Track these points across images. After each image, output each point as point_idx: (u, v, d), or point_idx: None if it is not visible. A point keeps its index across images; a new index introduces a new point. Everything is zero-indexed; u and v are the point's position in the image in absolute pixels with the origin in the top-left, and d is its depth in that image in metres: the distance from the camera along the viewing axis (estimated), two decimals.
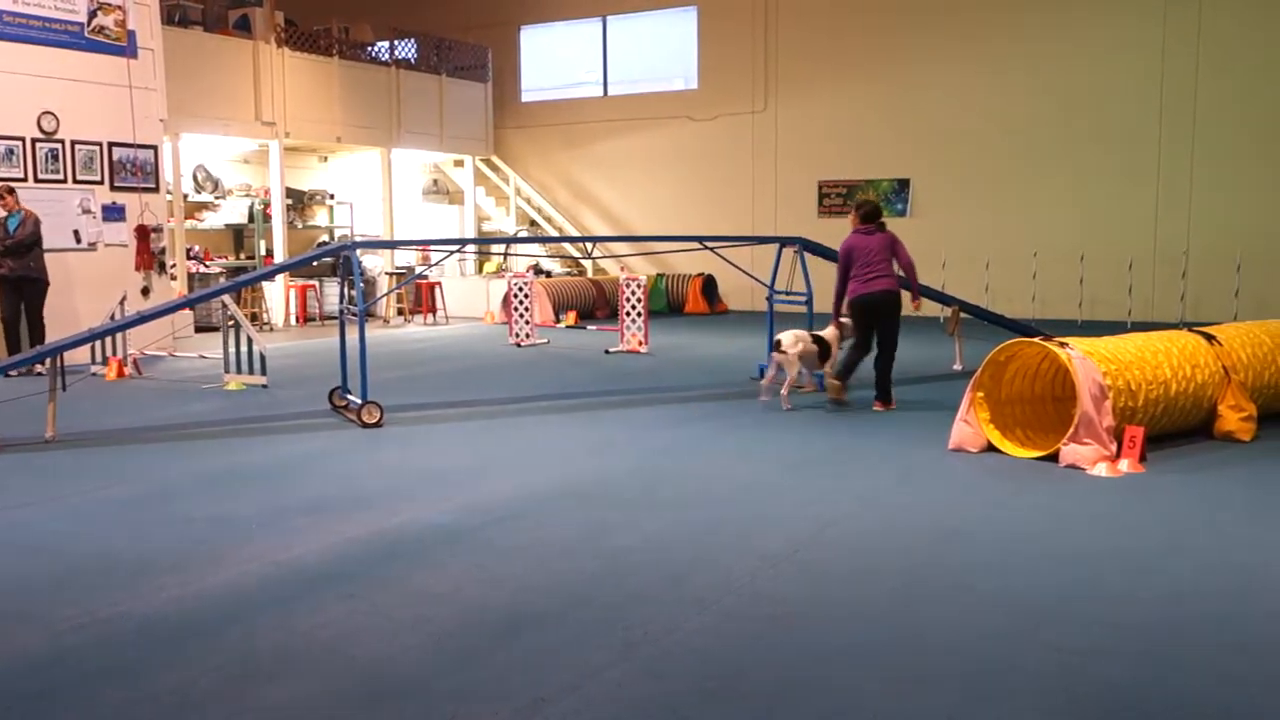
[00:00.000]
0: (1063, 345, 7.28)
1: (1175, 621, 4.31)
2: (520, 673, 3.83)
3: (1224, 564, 5.06)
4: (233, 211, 18.30)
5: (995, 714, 3.49)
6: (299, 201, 19.24)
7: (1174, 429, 7.77)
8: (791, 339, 9.45)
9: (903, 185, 19.57)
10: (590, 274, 21.28)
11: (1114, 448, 6.98)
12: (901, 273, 9.52)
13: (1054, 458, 7.16)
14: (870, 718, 3.47)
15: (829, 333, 9.76)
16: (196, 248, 17.60)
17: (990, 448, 7.53)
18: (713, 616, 4.38)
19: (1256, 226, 16.82)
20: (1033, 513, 6.01)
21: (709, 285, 20.30)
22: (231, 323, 10.98)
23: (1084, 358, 7.14)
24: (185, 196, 17.12)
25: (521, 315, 14.96)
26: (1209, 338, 8.08)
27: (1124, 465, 6.91)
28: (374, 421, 8.69)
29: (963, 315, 12.06)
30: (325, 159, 20.84)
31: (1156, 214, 17.59)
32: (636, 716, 3.49)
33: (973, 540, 5.46)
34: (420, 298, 19.32)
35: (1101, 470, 6.83)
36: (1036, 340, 7.56)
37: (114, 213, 13.74)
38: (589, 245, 19.54)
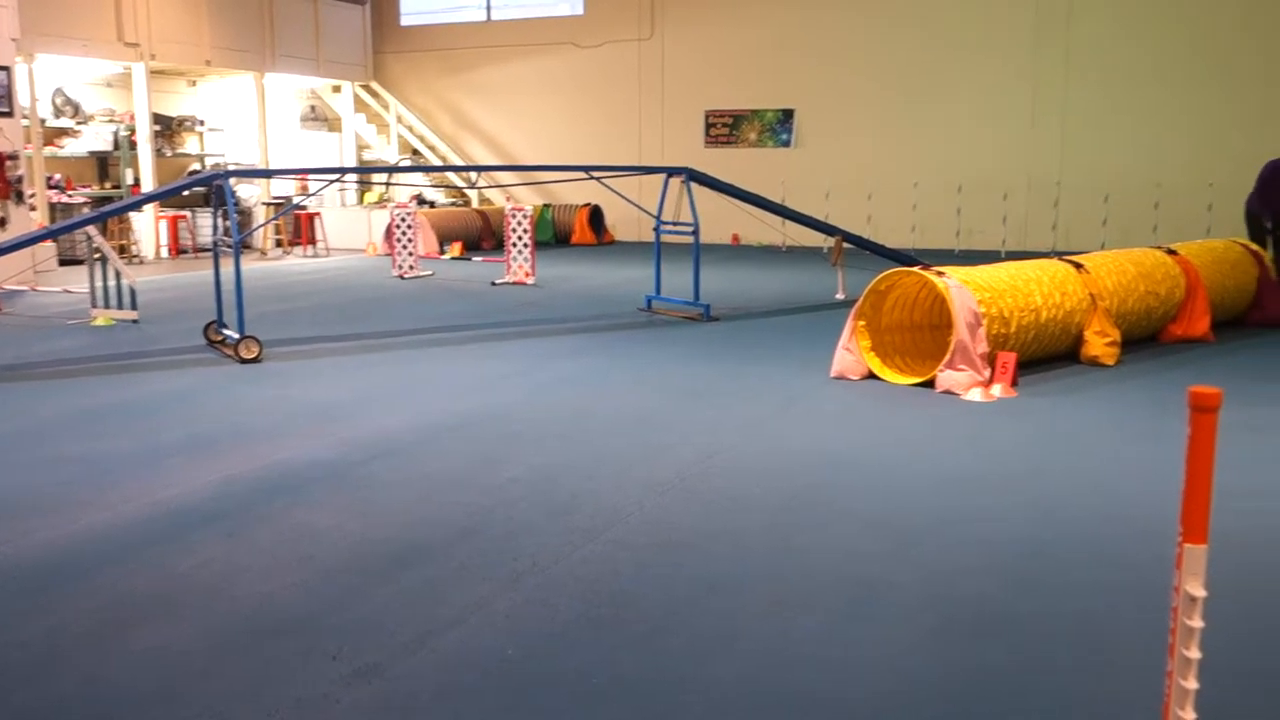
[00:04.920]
0: (940, 274, 7.46)
1: (1042, 538, 4.51)
2: (406, 607, 3.81)
3: (1088, 483, 5.30)
4: (96, 138, 17.42)
5: (874, 632, 3.62)
6: (167, 128, 18.44)
7: (1044, 354, 8.06)
8: None
9: (788, 116, 19.68)
10: (475, 204, 20.97)
11: (987, 373, 7.22)
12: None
13: (931, 384, 7.38)
14: (754, 640, 3.56)
15: None
16: (57, 176, 16.75)
17: (871, 375, 7.72)
18: (600, 546, 4.42)
19: (1124, 158, 17.44)
20: (910, 438, 6.19)
21: (596, 216, 20.20)
22: (98, 255, 10.52)
23: (960, 286, 7.33)
24: (43, 122, 16.23)
25: (405, 247, 14.68)
26: (1077, 266, 8.38)
27: (996, 390, 7.16)
28: (252, 356, 8.47)
29: (845, 245, 12.26)
30: (194, 83, 19.96)
31: (1030, 146, 18.07)
32: (524, 646, 3.51)
33: (852, 465, 5.61)
34: (299, 229, 18.79)
35: (975, 395, 7.07)
36: (915, 269, 7.73)
37: None
38: (474, 175, 19.25)
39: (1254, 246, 10.39)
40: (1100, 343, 8.14)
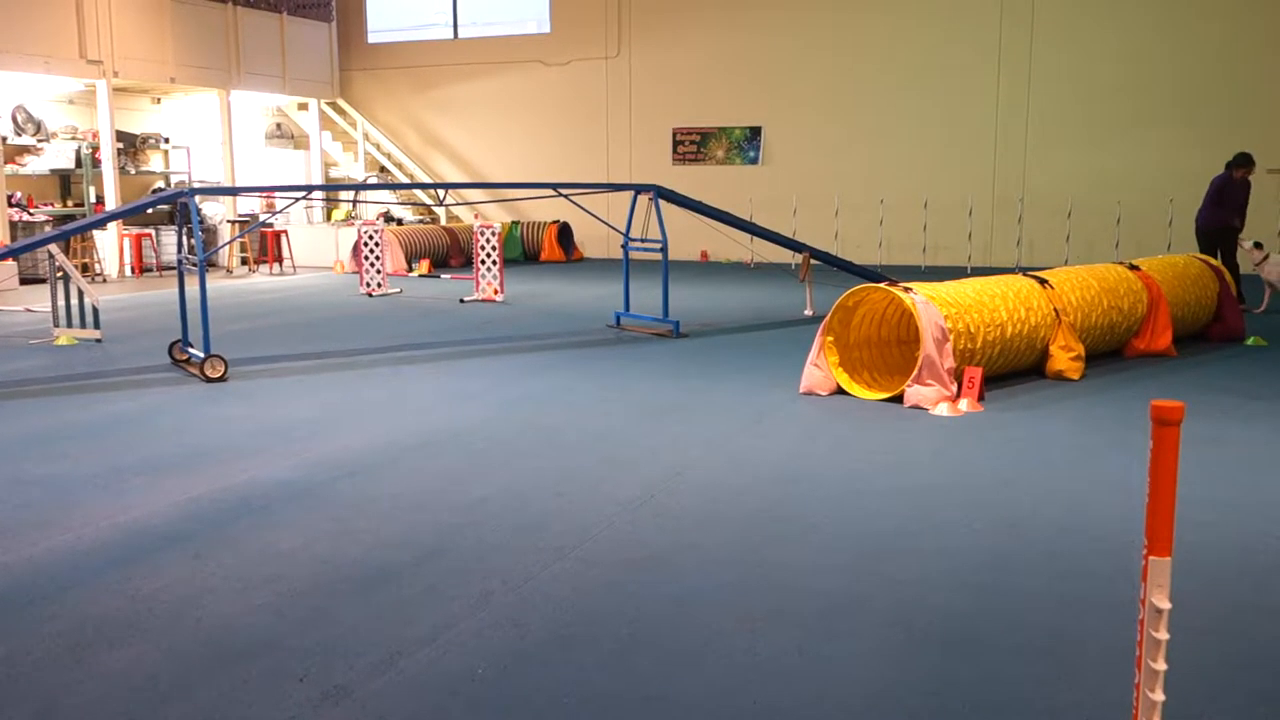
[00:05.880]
0: (907, 290, 7.51)
1: (1009, 551, 4.53)
2: (375, 627, 3.78)
3: (1054, 495, 5.34)
4: (58, 156, 17.25)
5: (842, 647, 3.62)
6: (131, 145, 18.29)
7: (1010, 369, 8.13)
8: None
9: (755, 133, 19.79)
10: (443, 222, 20.91)
11: (954, 388, 7.27)
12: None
13: (899, 399, 7.42)
14: (723, 656, 3.56)
15: None
16: (19, 194, 16.57)
17: (839, 390, 7.75)
18: (570, 563, 4.40)
19: (1085, 175, 17.66)
20: (878, 453, 6.22)
21: (564, 233, 20.20)
22: (60, 274, 10.40)
23: (927, 302, 7.38)
24: (4, 139, 16.07)
25: (372, 264, 14.62)
26: (1042, 281, 8.46)
27: (964, 405, 7.21)
28: (218, 375, 8.39)
29: (813, 262, 12.33)
30: (158, 101, 19.82)
31: (994, 163, 18.27)
32: (494, 666, 3.49)
33: (821, 481, 5.62)
34: (265, 247, 18.67)
35: (943, 410, 7.11)
36: (883, 285, 7.78)
37: None
38: (441, 192, 19.21)
39: (1214, 262, 10.54)
40: (1065, 357, 8.22)
